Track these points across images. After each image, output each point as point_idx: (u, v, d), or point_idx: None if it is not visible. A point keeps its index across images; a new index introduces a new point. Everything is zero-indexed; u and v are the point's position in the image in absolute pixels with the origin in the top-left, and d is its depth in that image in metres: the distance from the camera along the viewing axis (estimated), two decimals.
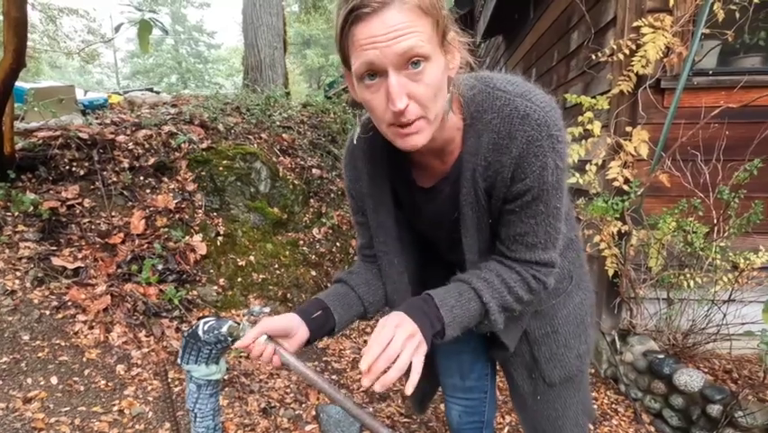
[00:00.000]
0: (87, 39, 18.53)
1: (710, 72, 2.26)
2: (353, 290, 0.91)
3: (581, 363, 0.95)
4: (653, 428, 2.10)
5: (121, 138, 3.15)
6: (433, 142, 0.76)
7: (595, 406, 2.28)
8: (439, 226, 0.89)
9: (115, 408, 1.81)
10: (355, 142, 0.85)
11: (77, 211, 2.65)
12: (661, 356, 2.14)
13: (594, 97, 2.37)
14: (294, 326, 0.79)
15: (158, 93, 6.00)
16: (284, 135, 4.30)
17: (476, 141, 0.75)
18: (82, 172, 2.83)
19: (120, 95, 5.21)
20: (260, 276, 3.03)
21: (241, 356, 2.34)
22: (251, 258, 3.10)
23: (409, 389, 0.65)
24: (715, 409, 1.83)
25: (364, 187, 0.88)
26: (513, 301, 0.80)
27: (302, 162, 4.22)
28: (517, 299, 0.80)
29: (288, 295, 3.06)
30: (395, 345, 0.65)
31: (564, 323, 0.92)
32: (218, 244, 3.00)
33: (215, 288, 2.77)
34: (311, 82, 26.57)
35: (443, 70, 0.68)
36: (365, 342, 2.89)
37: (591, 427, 2.12)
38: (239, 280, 2.92)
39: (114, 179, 2.88)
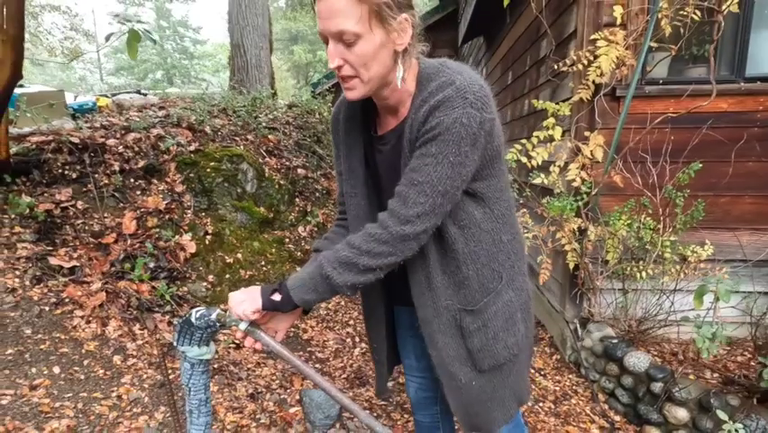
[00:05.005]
0: (70, 35, 18.29)
1: (661, 81, 2.47)
2: None
3: (510, 353, 1.06)
4: (606, 406, 2.32)
5: (111, 141, 3.26)
6: (386, 101, 0.98)
7: (557, 388, 2.50)
8: (385, 172, 1.07)
9: (114, 394, 1.97)
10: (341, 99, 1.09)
11: (71, 213, 2.78)
12: (615, 341, 2.36)
13: (558, 103, 2.56)
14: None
15: (145, 95, 6.06)
16: (270, 137, 4.43)
17: (418, 102, 0.94)
18: (74, 175, 2.95)
19: (108, 97, 5.28)
20: (248, 273, 3.19)
21: (230, 347, 2.50)
22: (239, 256, 3.26)
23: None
24: (657, 387, 2.04)
25: (341, 135, 1.10)
26: (354, 256, 0.91)
27: (287, 163, 4.36)
28: (367, 253, 0.91)
29: None
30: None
31: (493, 318, 1.03)
32: (207, 242, 3.15)
33: (205, 284, 2.92)
34: (298, 78, 26.50)
35: (378, 45, 0.87)
36: (348, 333, 3.07)
37: (552, 406, 2.34)
38: (227, 276, 3.07)
39: (106, 182, 3.00)
